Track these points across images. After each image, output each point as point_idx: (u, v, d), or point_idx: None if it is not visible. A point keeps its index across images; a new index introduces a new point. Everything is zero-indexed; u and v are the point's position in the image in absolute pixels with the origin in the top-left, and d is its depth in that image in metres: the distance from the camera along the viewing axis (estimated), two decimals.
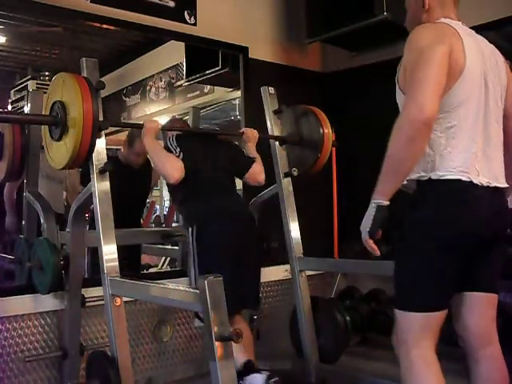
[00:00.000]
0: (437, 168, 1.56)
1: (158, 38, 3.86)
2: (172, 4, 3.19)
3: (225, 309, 1.47)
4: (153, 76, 5.35)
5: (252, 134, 2.74)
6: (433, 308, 1.59)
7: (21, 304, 2.47)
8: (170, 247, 4.02)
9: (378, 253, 1.61)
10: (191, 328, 3.04)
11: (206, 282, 1.46)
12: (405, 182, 1.61)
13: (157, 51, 4.86)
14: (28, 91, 4.93)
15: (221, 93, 4.66)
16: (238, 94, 3.88)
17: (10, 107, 5.46)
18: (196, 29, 3.30)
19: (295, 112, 2.95)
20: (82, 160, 1.95)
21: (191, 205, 2.57)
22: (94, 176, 2.00)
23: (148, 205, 6.45)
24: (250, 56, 3.56)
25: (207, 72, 4.02)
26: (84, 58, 2.04)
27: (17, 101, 5.39)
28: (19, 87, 5.39)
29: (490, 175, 1.59)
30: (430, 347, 1.61)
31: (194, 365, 2.97)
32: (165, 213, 6.52)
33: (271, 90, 2.92)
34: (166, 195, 6.84)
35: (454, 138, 1.57)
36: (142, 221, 4.43)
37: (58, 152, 1.97)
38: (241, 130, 2.86)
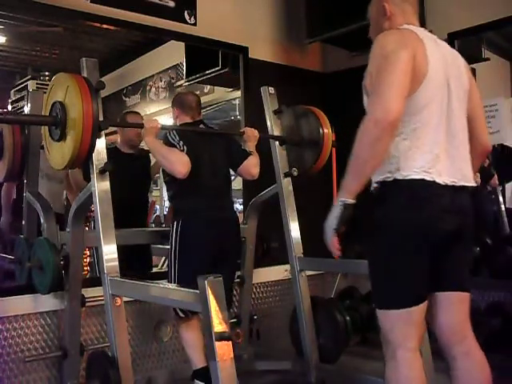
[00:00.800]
0: (401, 168, 1.61)
1: (158, 37, 3.86)
2: (172, 4, 3.19)
3: (225, 309, 1.47)
4: (153, 76, 5.35)
5: (252, 134, 2.75)
6: (412, 302, 1.62)
7: (21, 304, 2.47)
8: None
9: (339, 253, 1.65)
10: None
11: (206, 282, 1.46)
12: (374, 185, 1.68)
13: (157, 51, 4.86)
14: (28, 91, 4.93)
15: (221, 93, 4.66)
16: (238, 93, 3.88)
17: (10, 107, 5.46)
18: (196, 29, 3.31)
19: (295, 112, 2.95)
20: (82, 160, 1.95)
21: (183, 200, 2.59)
22: (94, 176, 2.00)
23: (148, 204, 6.46)
24: (250, 56, 3.56)
25: (207, 72, 4.02)
26: (84, 58, 2.04)
27: (17, 101, 5.39)
28: (19, 87, 5.39)
29: (453, 175, 1.64)
30: (414, 348, 1.63)
31: None
32: (165, 213, 6.50)
33: (271, 89, 2.92)
34: (166, 195, 6.83)
35: (418, 139, 1.62)
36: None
37: (58, 152, 1.97)
38: (241, 130, 2.86)
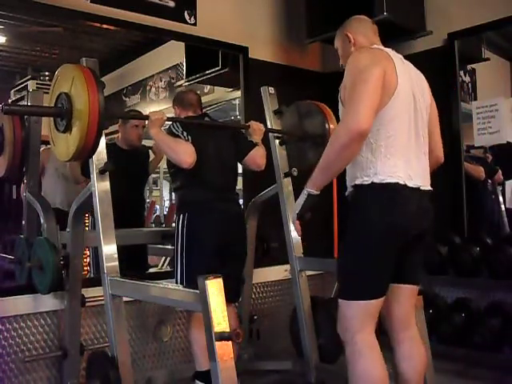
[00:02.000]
0: (378, 173, 1.78)
1: (158, 38, 3.85)
2: (172, 4, 3.19)
3: (225, 309, 1.47)
4: (153, 76, 5.35)
5: (258, 127, 2.72)
6: (373, 296, 1.79)
7: (21, 304, 2.47)
8: (170, 247, 4.00)
9: (299, 233, 1.98)
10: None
11: (206, 282, 1.46)
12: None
13: (157, 51, 4.85)
14: (28, 91, 4.92)
15: (221, 93, 4.65)
16: (238, 94, 3.88)
17: None
18: (196, 29, 3.31)
19: (299, 108, 2.94)
20: (87, 152, 1.91)
21: (189, 191, 2.57)
22: (94, 176, 2.00)
23: (148, 204, 6.46)
24: (250, 56, 3.56)
25: (207, 72, 4.02)
26: (84, 58, 2.04)
27: (17, 101, 5.38)
28: (19, 87, 5.38)
29: (419, 179, 1.83)
30: (371, 332, 1.80)
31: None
32: (165, 213, 6.51)
33: (271, 89, 2.92)
34: (166, 195, 6.83)
35: (391, 146, 1.79)
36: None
37: (63, 144, 1.94)
38: (247, 124, 2.83)
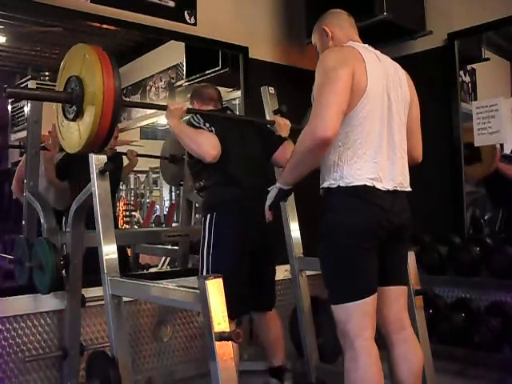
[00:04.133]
0: (345, 176, 1.76)
1: (158, 38, 3.85)
2: (172, 4, 3.19)
3: (225, 309, 1.47)
4: (153, 76, 5.34)
5: (284, 123, 2.59)
6: (362, 295, 1.75)
7: (21, 304, 2.47)
8: (170, 247, 4.02)
9: (270, 219, 1.98)
10: (191, 328, 3.05)
11: (206, 282, 1.46)
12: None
13: (157, 51, 4.85)
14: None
15: (221, 93, 4.65)
16: (238, 94, 3.87)
17: (10, 107, 5.46)
18: (196, 29, 3.31)
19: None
20: (100, 142, 1.76)
21: (215, 191, 2.39)
22: (94, 176, 1.99)
23: (148, 204, 6.45)
24: (250, 56, 3.56)
25: (207, 72, 4.02)
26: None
27: (17, 101, 5.38)
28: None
29: (393, 181, 1.80)
30: (370, 337, 1.75)
31: (193, 365, 2.97)
32: (165, 213, 6.50)
33: (271, 89, 2.92)
34: (166, 195, 6.83)
35: (359, 149, 1.76)
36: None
37: (73, 133, 1.80)
38: (271, 119, 2.70)
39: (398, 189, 1.82)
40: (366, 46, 1.91)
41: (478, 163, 3.54)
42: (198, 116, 2.38)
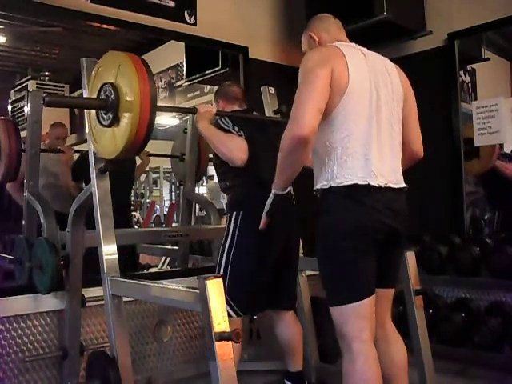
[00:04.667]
0: (335, 176, 1.74)
1: (158, 37, 3.85)
2: (172, 4, 3.19)
3: (225, 309, 1.47)
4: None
5: None
6: (360, 297, 1.74)
7: (21, 304, 2.47)
8: (170, 247, 4.02)
9: (264, 227, 1.99)
10: (191, 328, 3.05)
11: (206, 282, 1.46)
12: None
13: (157, 51, 4.85)
14: (28, 91, 4.93)
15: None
16: None
17: (9, 107, 5.46)
18: (196, 29, 3.31)
19: None
20: (138, 146, 1.76)
21: (241, 191, 2.40)
22: (94, 176, 2.00)
23: (148, 204, 6.46)
24: (250, 56, 3.56)
25: (207, 72, 4.02)
26: (84, 58, 2.03)
27: (17, 101, 5.39)
28: (19, 87, 5.39)
29: (386, 177, 1.76)
30: (368, 339, 1.74)
31: (193, 365, 2.97)
32: (165, 213, 6.51)
33: (271, 89, 2.92)
34: (166, 195, 6.83)
35: (348, 147, 1.74)
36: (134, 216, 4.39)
37: (109, 139, 1.79)
38: None
39: (393, 186, 1.78)
40: (353, 44, 1.91)
41: (475, 159, 3.54)
42: (227, 119, 2.40)
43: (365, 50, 1.89)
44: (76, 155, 3.66)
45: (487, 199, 3.90)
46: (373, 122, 1.77)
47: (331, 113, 1.73)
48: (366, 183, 1.72)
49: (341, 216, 1.74)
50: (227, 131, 2.35)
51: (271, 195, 1.91)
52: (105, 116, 1.77)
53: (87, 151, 3.60)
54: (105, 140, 1.83)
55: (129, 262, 3.56)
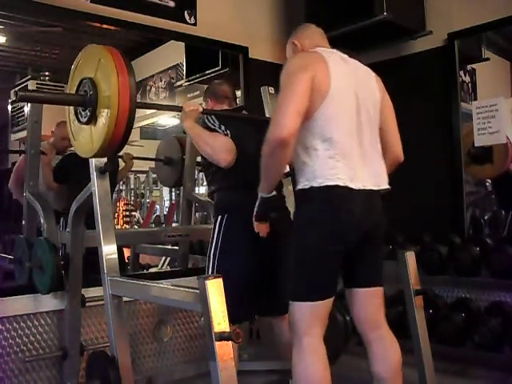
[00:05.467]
0: (317, 176, 1.77)
1: (158, 37, 3.86)
2: (172, 4, 3.19)
3: (225, 309, 1.47)
4: (153, 76, 5.35)
5: None
6: (319, 297, 1.79)
7: (21, 304, 2.47)
8: (170, 247, 4.02)
9: (263, 234, 2.01)
10: (191, 328, 3.05)
11: (206, 282, 1.46)
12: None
13: (157, 51, 4.86)
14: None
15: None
16: (238, 93, 3.87)
17: (9, 107, 5.46)
18: (196, 29, 3.31)
19: None
20: (116, 146, 1.68)
21: (227, 194, 2.34)
22: (94, 176, 2.00)
23: (148, 204, 6.46)
24: (250, 56, 3.56)
25: (207, 72, 4.03)
26: None
27: (17, 101, 5.39)
28: (19, 87, 5.39)
29: (365, 180, 1.80)
30: (318, 335, 1.81)
31: (193, 365, 2.97)
32: (165, 213, 6.51)
33: (271, 89, 2.91)
34: (166, 195, 6.83)
35: (329, 149, 1.77)
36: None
37: (86, 138, 1.72)
38: None
39: (373, 188, 1.82)
40: (334, 50, 1.95)
41: (488, 163, 3.54)
42: (214, 117, 2.33)
43: (345, 56, 1.93)
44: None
45: (498, 201, 3.92)
46: (353, 125, 1.81)
47: (313, 116, 1.77)
48: (346, 185, 1.76)
49: (318, 216, 1.78)
50: (213, 130, 2.29)
51: (258, 201, 1.93)
52: (83, 113, 1.69)
53: (69, 153, 3.60)
54: (82, 138, 1.75)
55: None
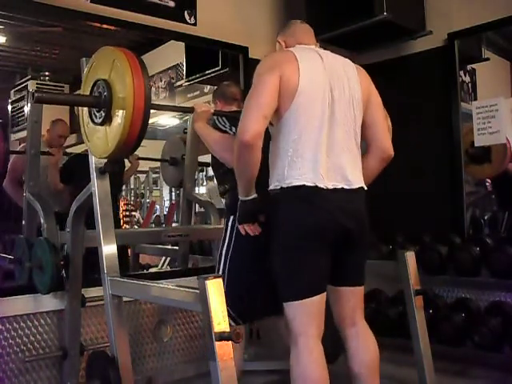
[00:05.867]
0: (286, 177, 1.79)
1: (158, 37, 3.85)
2: (172, 4, 3.19)
3: (225, 308, 1.47)
4: (153, 76, 5.34)
5: None
6: (307, 294, 1.79)
7: (21, 304, 2.47)
8: (170, 247, 4.02)
9: (251, 233, 1.96)
10: (191, 328, 3.05)
11: (206, 282, 1.46)
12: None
13: (157, 51, 4.85)
14: (28, 91, 4.93)
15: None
16: None
17: (9, 107, 5.46)
18: (196, 29, 3.31)
19: None
20: (131, 146, 1.69)
21: (237, 194, 2.30)
22: (94, 176, 2.00)
23: (148, 204, 6.46)
24: (250, 56, 3.56)
25: (207, 72, 4.02)
26: (84, 58, 2.04)
27: (17, 101, 5.38)
28: (19, 87, 5.39)
29: (337, 179, 1.80)
30: (314, 335, 1.81)
31: (194, 365, 2.97)
32: (165, 213, 6.51)
33: None
34: (166, 195, 6.83)
35: (298, 149, 1.78)
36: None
37: (101, 138, 1.74)
38: None
39: (345, 187, 1.81)
40: (311, 47, 1.95)
41: (487, 163, 3.54)
42: (224, 118, 2.36)
43: (324, 52, 1.92)
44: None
45: (497, 200, 3.92)
46: (324, 123, 1.80)
47: (283, 116, 1.79)
48: (314, 185, 1.76)
49: (289, 216, 1.79)
50: (224, 132, 2.32)
51: (239, 204, 1.93)
52: (97, 114, 1.71)
53: (75, 154, 3.62)
54: (97, 139, 1.77)
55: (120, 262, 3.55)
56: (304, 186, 1.76)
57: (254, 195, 1.89)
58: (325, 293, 1.84)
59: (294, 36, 2.02)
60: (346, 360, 1.96)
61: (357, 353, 1.93)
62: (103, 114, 1.68)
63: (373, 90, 1.98)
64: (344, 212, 1.80)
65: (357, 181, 1.85)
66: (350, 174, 1.83)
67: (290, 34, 2.04)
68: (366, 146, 1.98)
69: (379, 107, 1.99)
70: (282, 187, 1.80)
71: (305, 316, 1.80)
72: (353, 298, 1.95)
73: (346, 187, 1.81)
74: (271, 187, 1.86)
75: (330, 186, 1.78)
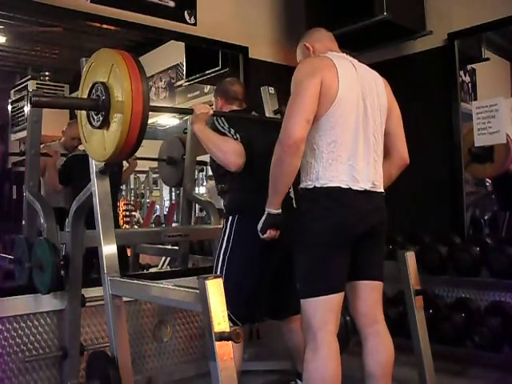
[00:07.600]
0: (320, 177, 1.84)
1: (158, 37, 3.86)
2: (172, 4, 3.19)
3: (225, 308, 1.47)
4: (153, 76, 5.35)
5: None
6: (330, 291, 1.83)
7: (21, 304, 2.47)
8: (170, 247, 4.02)
9: (269, 238, 2.00)
10: (191, 328, 3.05)
11: (206, 282, 1.46)
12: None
13: (157, 51, 4.86)
14: (28, 91, 4.93)
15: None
16: None
17: (10, 107, 5.46)
18: (196, 29, 3.31)
19: None
20: (129, 151, 1.68)
21: (240, 196, 2.31)
22: (94, 176, 2.00)
23: (148, 204, 6.46)
24: (250, 56, 3.57)
25: (207, 72, 4.02)
26: (84, 58, 2.03)
27: (17, 101, 5.39)
28: (19, 87, 5.39)
29: (368, 182, 1.87)
30: (332, 331, 1.83)
31: (194, 365, 2.97)
32: (165, 213, 6.51)
33: (271, 89, 2.91)
34: (166, 195, 6.83)
35: (333, 151, 1.83)
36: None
37: (99, 142, 1.72)
38: None
39: (373, 189, 1.89)
40: (343, 55, 1.99)
41: (489, 162, 3.55)
42: (223, 120, 2.33)
43: (355, 61, 1.97)
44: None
45: (498, 201, 3.92)
46: (359, 130, 1.86)
47: (320, 119, 1.82)
48: (348, 187, 1.82)
49: (321, 215, 1.83)
50: (223, 134, 2.28)
51: (264, 215, 1.95)
52: (95, 117, 1.70)
53: (73, 155, 3.63)
54: (95, 142, 1.77)
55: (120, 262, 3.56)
56: (339, 187, 1.82)
57: (280, 211, 1.93)
58: (343, 292, 1.88)
59: (321, 42, 2.06)
60: (362, 359, 1.96)
61: (375, 351, 1.94)
62: (101, 118, 1.67)
63: (394, 102, 2.06)
64: (370, 211, 1.87)
65: (381, 185, 1.94)
66: (378, 179, 1.92)
67: (317, 39, 2.07)
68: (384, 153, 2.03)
69: (399, 118, 2.07)
70: (315, 186, 1.84)
71: (326, 312, 1.83)
72: (374, 293, 1.97)
73: (373, 190, 1.89)
74: (302, 185, 1.90)
75: (362, 189, 1.85)
